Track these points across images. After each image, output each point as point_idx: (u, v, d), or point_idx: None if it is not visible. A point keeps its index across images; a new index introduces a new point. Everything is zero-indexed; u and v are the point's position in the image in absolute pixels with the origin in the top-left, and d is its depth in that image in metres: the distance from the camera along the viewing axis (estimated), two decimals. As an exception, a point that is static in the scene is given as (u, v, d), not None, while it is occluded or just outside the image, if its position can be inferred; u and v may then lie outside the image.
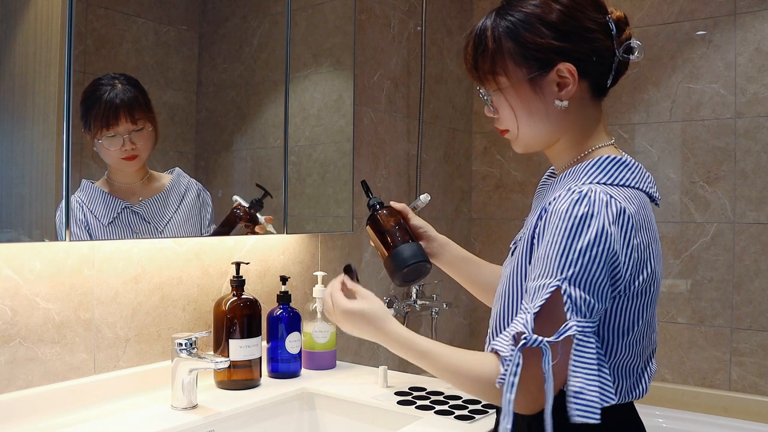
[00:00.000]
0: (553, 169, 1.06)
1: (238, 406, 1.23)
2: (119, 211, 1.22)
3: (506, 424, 0.78)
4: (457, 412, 1.19)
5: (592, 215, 0.79)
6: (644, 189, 0.90)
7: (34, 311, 1.12)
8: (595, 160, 0.90)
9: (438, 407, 1.22)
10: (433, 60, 2.28)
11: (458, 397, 1.29)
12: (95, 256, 1.21)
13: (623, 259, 0.81)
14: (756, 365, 2.03)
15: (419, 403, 1.25)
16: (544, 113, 0.91)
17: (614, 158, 0.90)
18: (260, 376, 1.37)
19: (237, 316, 1.33)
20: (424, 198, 1.23)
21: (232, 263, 1.39)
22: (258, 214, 1.46)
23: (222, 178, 1.42)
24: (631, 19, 2.21)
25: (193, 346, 1.18)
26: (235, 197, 1.42)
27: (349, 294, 1.02)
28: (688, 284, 2.13)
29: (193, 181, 1.35)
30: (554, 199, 0.84)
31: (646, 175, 0.92)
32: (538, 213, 0.87)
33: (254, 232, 1.47)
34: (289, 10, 1.54)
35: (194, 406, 1.19)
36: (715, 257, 2.09)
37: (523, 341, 0.78)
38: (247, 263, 1.43)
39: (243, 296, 1.35)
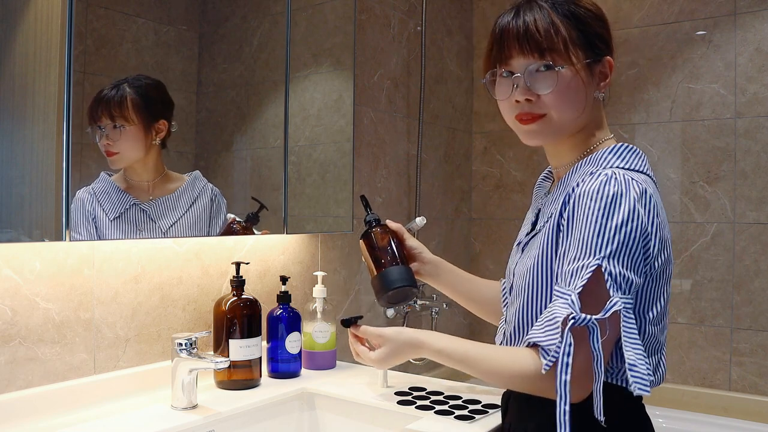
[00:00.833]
0: (550, 169, 1.07)
1: (238, 406, 1.22)
2: (128, 207, 1.23)
3: (564, 405, 0.78)
4: (457, 412, 1.19)
5: (621, 194, 0.82)
6: (652, 177, 0.93)
7: (34, 311, 1.12)
8: (612, 147, 0.94)
9: (438, 407, 1.22)
10: (433, 60, 2.28)
11: (458, 397, 1.29)
12: (95, 256, 1.21)
13: (651, 237, 0.84)
14: (756, 365, 2.03)
15: (419, 403, 1.25)
16: (584, 100, 0.93)
17: (629, 146, 0.94)
18: (260, 376, 1.37)
19: (237, 316, 1.33)
20: (420, 221, 1.24)
21: (232, 263, 1.39)
22: (254, 228, 1.47)
23: (222, 178, 1.42)
24: (631, 19, 2.21)
25: (193, 346, 1.18)
26: (230, 215, 1.41)
27: (366, 340, 1.10)
28: (688, 284, 2.13)
29: (209, 185, 1.35)
30: (578, 184, 0.87)
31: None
32: (562, 200, 0.89)
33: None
34: (289, 10, 1.54)
35: (194, 406, 1.19)
36: (715, 257, 2.09)
37: (572, 321, 0.78)
38: (247, 263, 1.43)
39: (243, 296, 1.35)
